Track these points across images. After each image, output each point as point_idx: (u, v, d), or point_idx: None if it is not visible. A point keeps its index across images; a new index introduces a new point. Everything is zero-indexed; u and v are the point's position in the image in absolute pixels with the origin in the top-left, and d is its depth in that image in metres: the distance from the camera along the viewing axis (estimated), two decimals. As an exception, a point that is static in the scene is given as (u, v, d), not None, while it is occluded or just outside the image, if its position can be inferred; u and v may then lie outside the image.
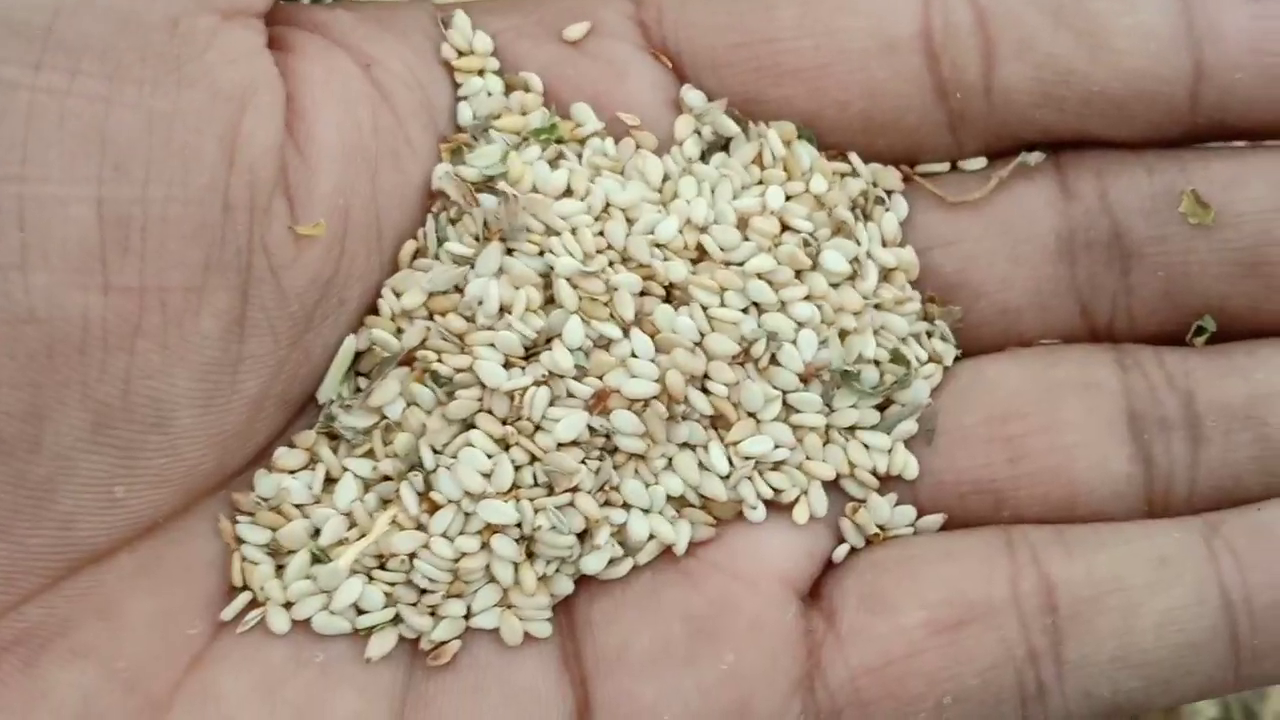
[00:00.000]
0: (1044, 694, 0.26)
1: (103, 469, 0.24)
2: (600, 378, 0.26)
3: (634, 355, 0.26)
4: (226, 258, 0.24)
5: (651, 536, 0.26)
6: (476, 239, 0.26)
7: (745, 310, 0.26)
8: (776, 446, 0.26)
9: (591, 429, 0.26)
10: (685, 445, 0.26)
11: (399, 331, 0.26)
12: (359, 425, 0.26)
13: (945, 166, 0.29)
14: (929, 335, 0.28)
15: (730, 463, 0.26)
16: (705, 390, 0.26)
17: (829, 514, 0.27)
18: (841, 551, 0.27)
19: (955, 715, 0.26)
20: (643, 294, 0.26)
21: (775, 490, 0.27)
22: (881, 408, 0.27)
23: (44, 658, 0.23)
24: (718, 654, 0.25)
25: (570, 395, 0.26)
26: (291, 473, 0.26)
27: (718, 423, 0.26)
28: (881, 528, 0.27)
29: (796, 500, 0.27)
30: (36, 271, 0.22)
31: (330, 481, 0.26)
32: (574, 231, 0.26)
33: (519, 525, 0.25)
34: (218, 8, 0.24)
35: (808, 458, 0.27)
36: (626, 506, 0.26)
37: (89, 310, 0.23)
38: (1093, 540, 0.26)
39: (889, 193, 0.28)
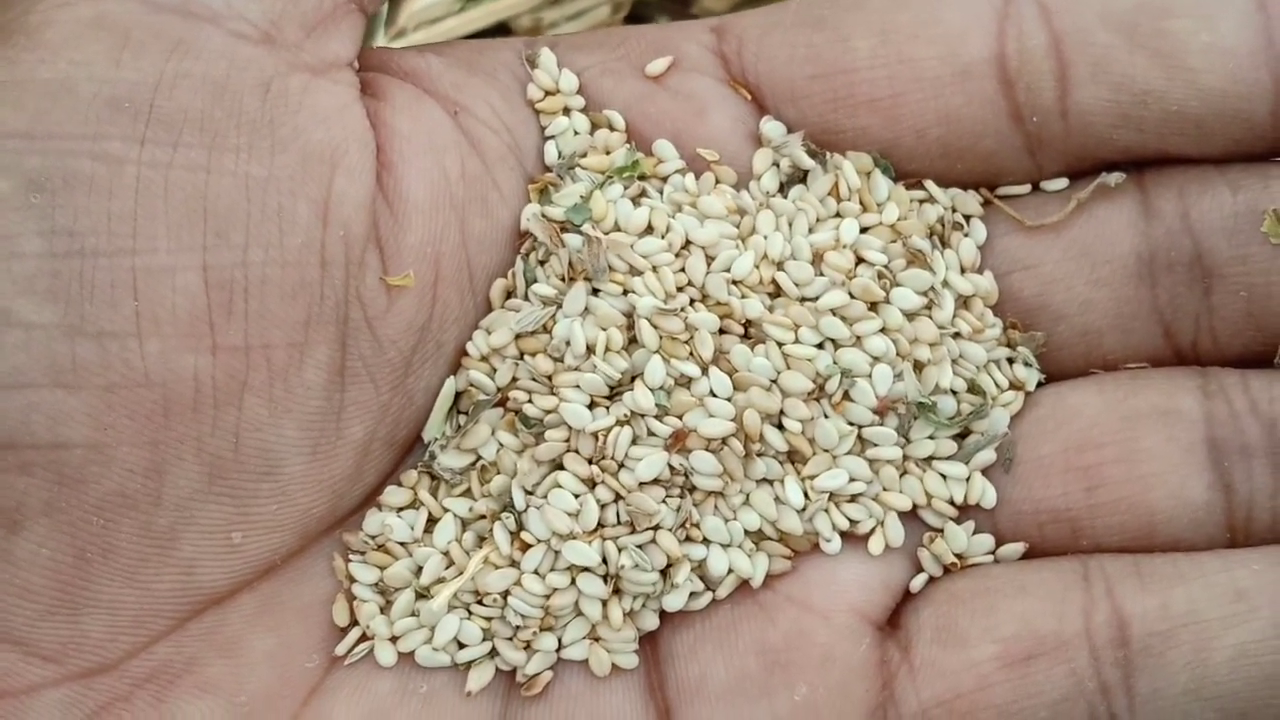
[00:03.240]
0: None
1: (220, 517, 0.25)
2: (680, 417, 0.27)
3: (712, 394, 0.27)
4: (325, 312, 0.26)
5: (730, 571, 0.27)
6: (563, 279, 0.27)
7: (820, 346, 0.27)
8: (852, 480, 0.27)
9: (671, 468, 0.26)
10: (762, 481, 0.27)
11: (492, 371, 0.28)
12: (456, 465, 0.27)
13: (1026, 189, 0.29)
14: (1010, 362, 0.28)
15: (806, 496, 0.27)
16: (781, 427, 0.27)
17: (906, 544, 0.28)
18: (919, 581, 0.28)
19: None
20: (721, 331, 0.27)
21: (851, 521, 0.27)
22: (960, 436, 0.28)
23: (172, 694, 0.25)
24: (791, 686, 0.26)
25: (651, 434, 0.27)
26: (398, 511, 0.28)
27: (793, 457, 0.27)
28: (960, 556, 0.27)
29: (872, 531, 0.27)
30: (150, 338, 0.24)
31: (432, 521, 0.28)
32: (655, 270, 0.27)
33: (605, 563, 0.27)
34: (307, 66, 0.26)
35: (884, 489, 0.27)
36: (706, 542, 0.27)
37: (199, 371, 0.25)
38: (1169, 573, 0.26)
39: (968, 218, 0.28)
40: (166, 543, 0.25)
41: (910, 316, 0.27)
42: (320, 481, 0.26)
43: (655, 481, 0.27)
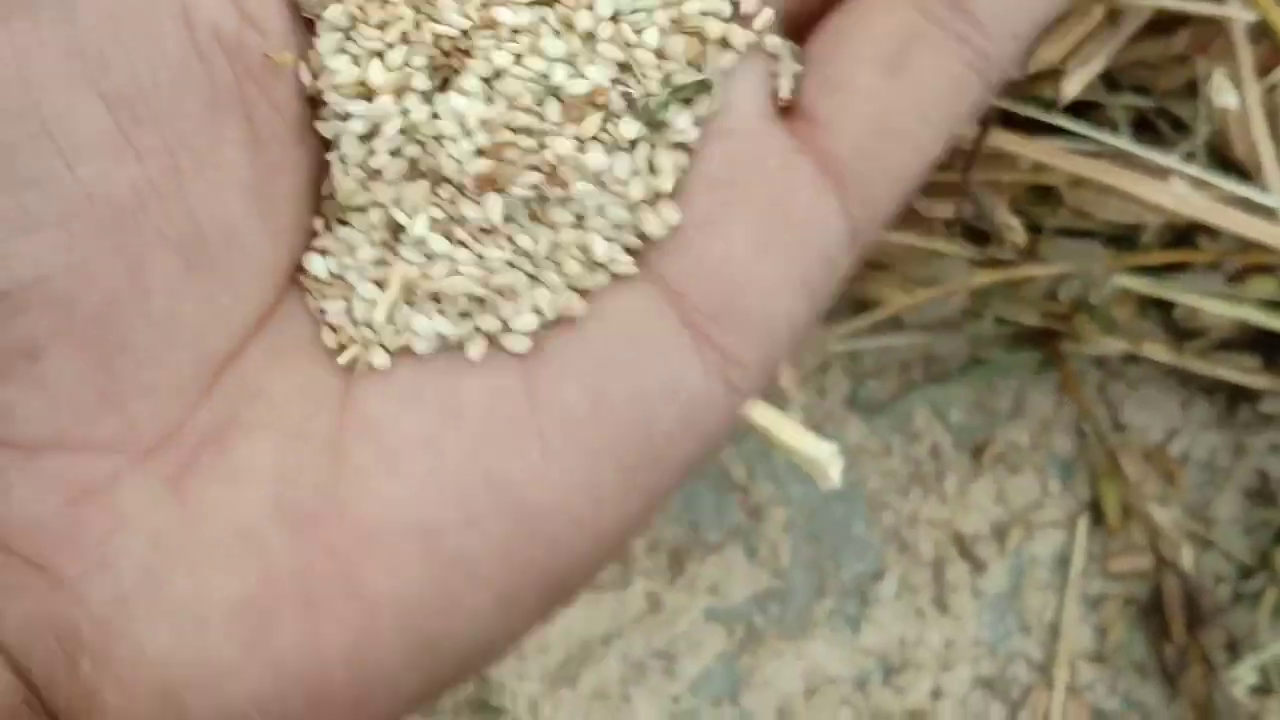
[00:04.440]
0: (986, 56, 0.30)
1: (206, 288, 0.29)
2: None
3: None
4: (221, 96, 0.29)
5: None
6: None
7: None
8: None
9: None
10: None
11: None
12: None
13: None
14: None
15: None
16: None
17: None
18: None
19: (937, 115, 0.30)
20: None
21: None
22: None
23: (230, 443, 0.29)
24: (750, 195, 0.30)
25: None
26: (322, 254, 0.31)
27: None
28: None
29: None
30: (80, 166, 0.27)
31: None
32: None
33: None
34: None
35: None
36: None
37: (134, 177, 0.28)
38: None
39: None
40: (168, 324, 0.28)
41: None
42: (274, 234, 0.30)
43: None
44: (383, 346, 0.31)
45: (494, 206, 0.30)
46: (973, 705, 0.69)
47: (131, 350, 0.28)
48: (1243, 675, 0.65)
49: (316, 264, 0.31)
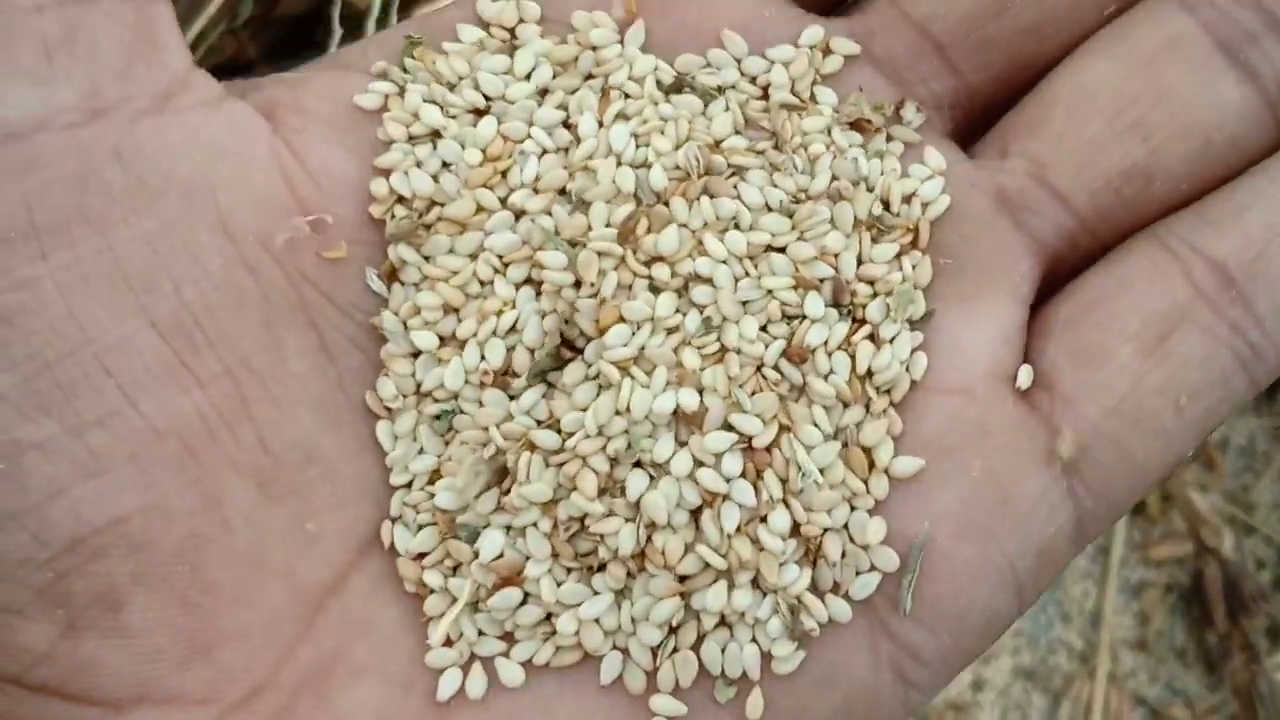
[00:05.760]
0: (1258, 352, 0.28)
1: (288, 516, 0.27)
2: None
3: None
4: (277, 308, 0.27)
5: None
6: None
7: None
8: None
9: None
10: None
11: None
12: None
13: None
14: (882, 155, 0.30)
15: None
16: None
17: (1007, 288, 0.29)
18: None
19: (1195, 409, 0.28)
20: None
21: None
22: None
23: (330, 688, 0.27)
24: (964, 467, 0.28)
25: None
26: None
27: None
28: None
29: None
30: (141, 401, 0.26)
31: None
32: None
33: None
34: (143, 110, 0.27)
35: None
36: None
37: (199, 406, 0.26)
38: (1231, 208, 0.29)
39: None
40: (255, 558, 0.27)
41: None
42: (355, 449, 0.28)
43: None
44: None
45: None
46: (1014, 696, 0.69)
47: (218, 591, 0.26)
48: None
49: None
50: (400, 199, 0.29)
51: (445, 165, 0.29)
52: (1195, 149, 0.29)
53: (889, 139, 0.30)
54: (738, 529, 0.27)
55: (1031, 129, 0.30)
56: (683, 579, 0.27)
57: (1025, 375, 0.29)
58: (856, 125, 0.30)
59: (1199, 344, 0.28)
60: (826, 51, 0.30)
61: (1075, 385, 0.28)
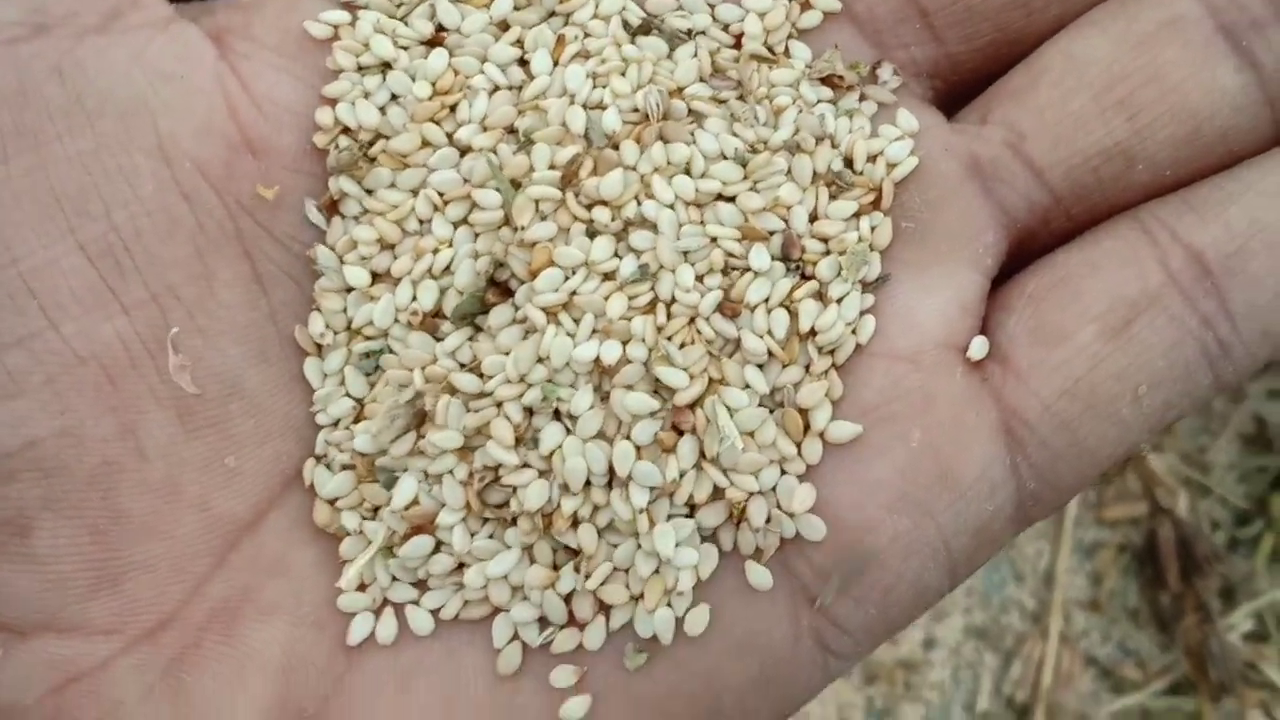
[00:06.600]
0: (1227, 349, 0.27)
1: (207, 449, 0.26)
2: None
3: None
4: (211, 236, 0.26)
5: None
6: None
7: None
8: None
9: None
10: None
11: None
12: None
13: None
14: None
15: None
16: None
17: (969, 255, 0.28)
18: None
19: (1154, 400, 0.27)
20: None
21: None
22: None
23: (238, 625, 0.26)
24: (903, 436, 0.27)
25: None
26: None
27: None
28: None
29: None
30: (63, 323, 0.25)
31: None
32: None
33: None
34: (90, 28, 0.26)
35: None
36: None
37: (121, 332, 0.25)
38: (1218, 197, 0.27)
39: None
40: (169, 490, 0.26)
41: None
42: (282, 383, 0.27)
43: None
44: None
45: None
46: (965, 654, 0.69)
47: (129, 521, 0.26)
48: (1238, 622, 0.66)
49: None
50: (345, 130, 0.28)
51: (394, 97, 0.28)
52: (1183, 134, 0.28)
53: (862, 98, 0.29)
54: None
55: (1015, 97, 0.28)
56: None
57: (979, 346, 0.27)
58: (828, 81, 0.29)
59: (1166, 332, 0.27)
60: (806, 6, 0.29)
61: (1031, 362, 0.27)
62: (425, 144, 0.28)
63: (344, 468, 0.27)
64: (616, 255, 0.27)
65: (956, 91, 0.29)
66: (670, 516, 0.27)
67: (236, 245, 0.27)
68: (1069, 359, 0.27)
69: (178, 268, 0.26)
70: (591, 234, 0.27)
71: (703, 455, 0.26)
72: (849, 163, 0.28)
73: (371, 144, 0.28)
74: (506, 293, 0.27)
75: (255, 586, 0.27)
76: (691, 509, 0.27)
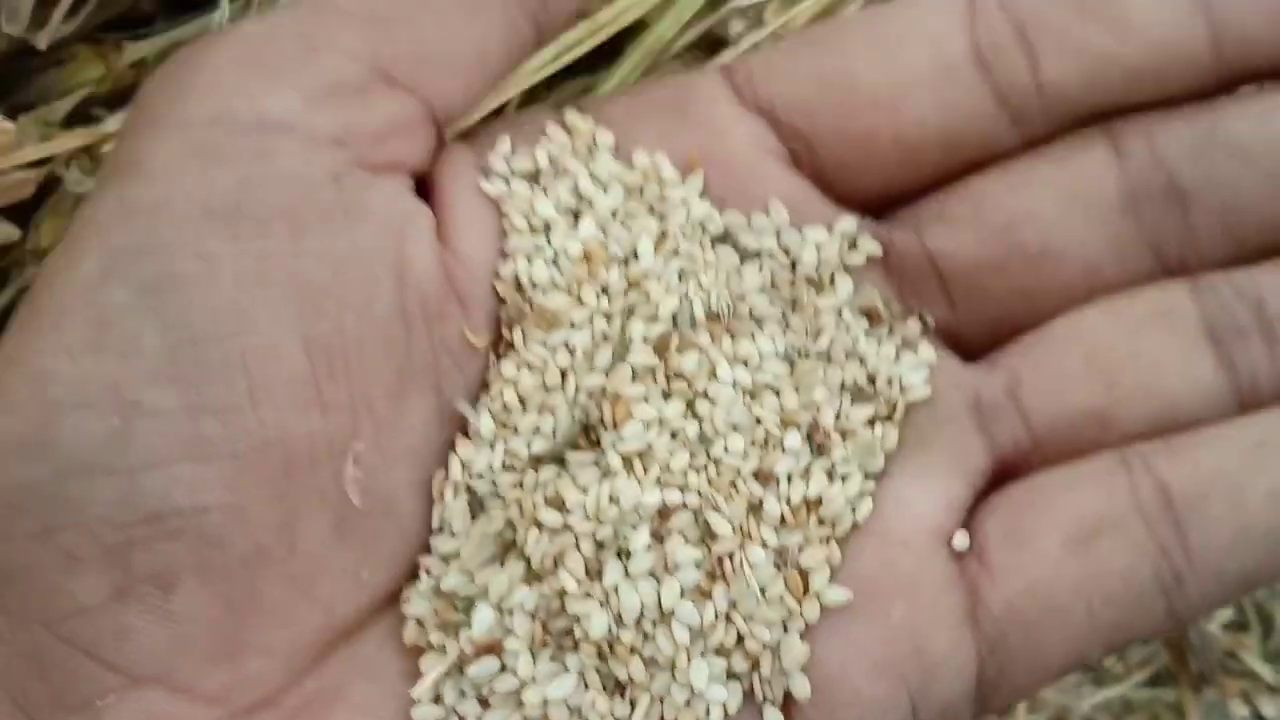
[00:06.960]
0: (1181, 581, 0.30)
1: (350, 559, 0.28)
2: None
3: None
4: (414, 364, 0.29)
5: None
6: None
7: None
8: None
9: None
10: None
11: None
12: None
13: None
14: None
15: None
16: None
17: (960, 465, 0.32)
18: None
19: (1106, 616, 0.30)
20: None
21: None
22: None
23: (328, 717, 0.28)
24: (887, 610, 0.30)
25: None
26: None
27: None
28: None
29: None
30: (264, 407, 0.27)
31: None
32: None
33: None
34: (370, 165, 0.29)
35: None
36: None
37: (312, 430, 0.27)
38: (1193, 442, 0.30)
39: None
40: (306, 587, 0.28)
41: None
42: (426, 513, 0.30)
43: None
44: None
45: None
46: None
47: (264, 604, 0.28)
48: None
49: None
50: (518, 285, 0.31)
51: (554, 259, 0.31)
52: (1156, 411, 0.31)
53: (891, 330, 0.33)
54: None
55: (1024, 349, 0.32)
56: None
57: (961, 539, 0.31)
58: (867, 313, 0.33)
59: (1124, 554, 0.30)
60: (853, 245, 0.33)
61: (1001, 560, 0.30)
62: (578, 303, 0.31)
63: (434, 591, 0.30)
64: (684, 416, 0.31)
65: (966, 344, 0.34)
66: (704, 654, 0.30)
67: (433, 378, 0.29)
68: (1032, 562, 0.30)
69: (380, 384, 0.28)
70: (666, 396, 0.31)
71: (730, 604, 0.30)
72: (872, 380, 0.33)
73: (530, 302, 0.31)
74: (596, 443, 0.30)
75: (346, 687, 0.28)
76: (719, 650, 0.30)
